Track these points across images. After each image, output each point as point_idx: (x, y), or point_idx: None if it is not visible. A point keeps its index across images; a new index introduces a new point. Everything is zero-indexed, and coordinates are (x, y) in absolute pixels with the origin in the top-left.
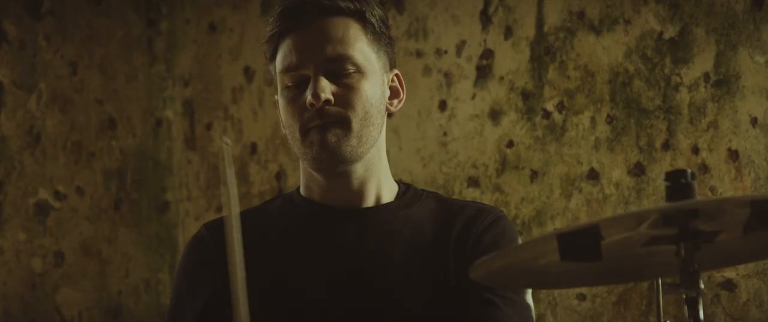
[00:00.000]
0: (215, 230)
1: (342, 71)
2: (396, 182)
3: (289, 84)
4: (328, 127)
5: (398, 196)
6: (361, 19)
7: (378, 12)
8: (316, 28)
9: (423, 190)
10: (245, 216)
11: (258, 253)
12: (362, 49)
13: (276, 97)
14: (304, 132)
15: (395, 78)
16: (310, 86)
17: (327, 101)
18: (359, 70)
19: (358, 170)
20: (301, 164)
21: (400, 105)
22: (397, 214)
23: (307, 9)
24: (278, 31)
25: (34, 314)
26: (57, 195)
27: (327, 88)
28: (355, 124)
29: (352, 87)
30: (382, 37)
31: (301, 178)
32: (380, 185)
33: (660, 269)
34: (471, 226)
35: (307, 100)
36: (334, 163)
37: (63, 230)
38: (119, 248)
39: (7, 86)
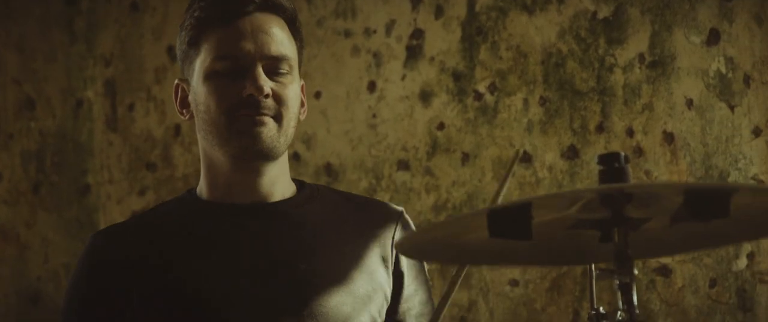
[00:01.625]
0: (111, 240)
1: (279, 70)
2: (293, 180)
3: (220, 71)
4: (264, 121)
5: (298, 192)
6: (293, 24)
7: (296, 16)
8: (257, 22)
9: (318, 185)
10: (136, 225)
11: (161, 259)
12: (293, 53)
13: (178, 81)
14: (232, 120)
15: (301, 88)
16: (251, 78)
17: (266, 95)
18: (290, 73)
19: (273, 168)
20: (206, 157)
21: (303, 115)
22: (301, 208)
23: (246, 3)
24: (209, 16)
25: None
26: None
27: (268, 84)
28: (285, 122)
29: (286, 86)
30: (302, 47)
31: (203, 176)
32: (284, 184)
33: (591, 253)
34: (381, 224)
35: (247, 91)
36: (259, 156)
37: None
38: (38, 233)
39: None
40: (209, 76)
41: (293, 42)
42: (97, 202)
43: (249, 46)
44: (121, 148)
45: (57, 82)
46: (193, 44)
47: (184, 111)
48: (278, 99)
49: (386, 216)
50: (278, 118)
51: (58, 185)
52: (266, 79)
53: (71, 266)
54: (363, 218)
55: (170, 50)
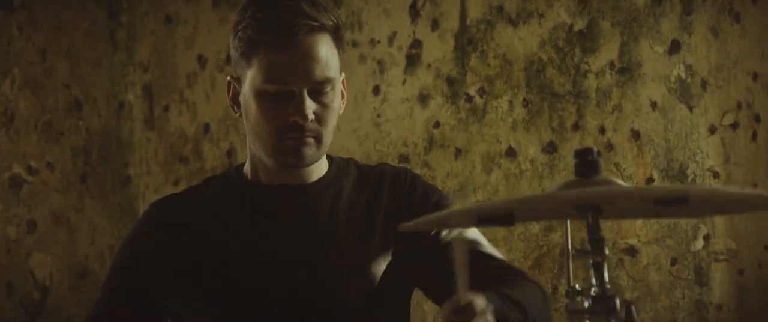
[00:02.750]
0: (166, 209)
1: (323, 91)
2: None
3: (271, 92)
4: (306, 142)
5: (331, 168)
6: (336, 33)
7: (338, 19)
8: (304, 48)
9: (344, 159)
10: (190, 196)
11: (206, 229)
12: (336, 67)
13: (231, 78)
14: (278, 140)
15: (342, 83)
16: (296, 104)
17: (310, 120)
18: (334, 89)
19: (312, 165)
20: (252, 149)
21: (342, 108)
22: (331, 187)
23: (295, 27)
24: (260, 38)
25: (9, 276)
26: (29, 170)
27: (311, 108)
28: (325, 139)
29: (329, 106)
30: (342, 47)
31: (249, 160)
32: (320, 165)
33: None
34: (395, 189)
35: (292, 117)
36: (300, 167)
37: (35, 201)
38: (86, 218)
39: None
40: (259, 94)
41: (337, 52)
42: (136, 191)
43: (296, 73)
44: (157, 144)
45: (102, 87)
46: (245, 57)
47: (235, 107)
48: (320, 120)
49: (399, 186)
50: (319, 137)
51: (102, 176)
52: (310, 103)
53: (114, 246)
54: (379, 192)
55: (200, 58)
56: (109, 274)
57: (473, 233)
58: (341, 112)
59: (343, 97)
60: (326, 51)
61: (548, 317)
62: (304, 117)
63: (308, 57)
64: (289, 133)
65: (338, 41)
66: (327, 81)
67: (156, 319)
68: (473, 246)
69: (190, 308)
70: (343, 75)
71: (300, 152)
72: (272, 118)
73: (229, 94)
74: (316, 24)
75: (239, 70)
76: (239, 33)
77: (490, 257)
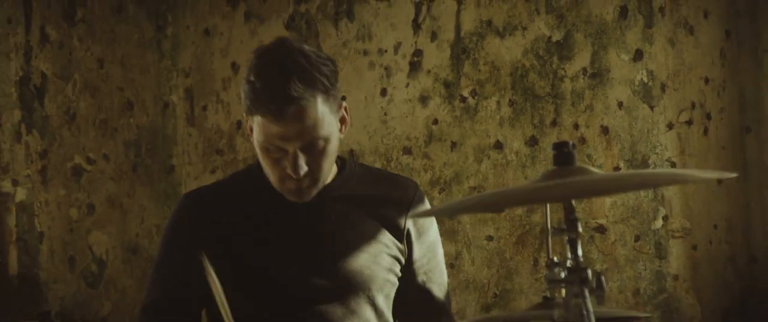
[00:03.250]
0: (193, 203)
1: (315, 146)
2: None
3: (270, 149)
4: (302, 186)
5: (339, 171)
6: (326, 92)
7: (329, 70)
8: (294, 120)
9: (354, 162)
10: (218, 189)
11: (229, 218)
12: (328, 121)
13: (247, 117)
14: (282, 183)
15: (344, 110)
16: (290, 162)
17: (303, 174)
18: (327, 141)
19: None
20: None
21: (347, 128)
22: (339, 189)
23: (284, 106)
24: (257, 108)
25: (72, 252)
26: (88, 160)
27: (304, 165)
28: (323, 176)
29: (322, 155)
30: (335, 94)
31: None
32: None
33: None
34: (399, 198)
35: (288, 171)
36: (304, 201)
37: (93, 187)
38: (136, 201)
39: (50, 77)
40: (262, 149)
41: (327, 108)
42: (179, 178)
43: (288, 140)
44: (197, 138)
45: (149, 89)
46: (250, 112)
47: (252, 137)
48: (315, 167)
49: (404, 194)
50: (315, 179)
51: (150, 165)
52: (302, 160)
53: (161, 225)
54: (386, 195)
55: (233, 65)
56: (157, 261)
57: (443, 284)
58: (343, 135)
59: (345, 122)
60: (315, 114)
61: None
62: (297, 174)
63: (298, 126)
64: (288, 181)
65: (329, 96)
66: (316, 139)
67: (201, 294)
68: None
69: (224, 286)
70: (345, 103)
71: (299, 193)
72: (273, 169)
73: (248, 128)
74: (304, 100)
75: (249, 119)
76: (244, 92)
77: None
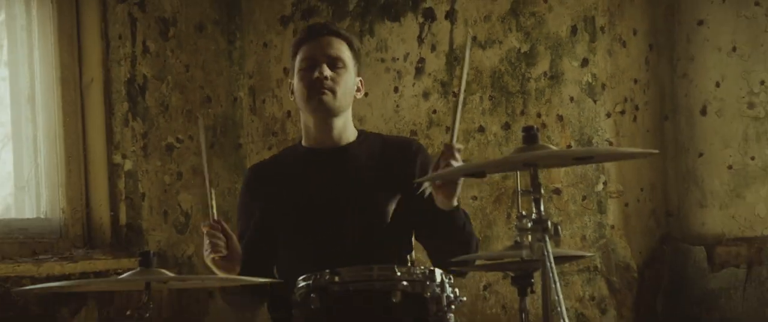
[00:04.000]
0: (256, 172)
1: (336, 65)
2: (356, 129)
3: (304, 67)
4: (324, 92)
5: (358, 136)
6: (350, 44)
7: (357, 44)
8: (325, 39)
9: (370, 132)
10: (273, 161)
11: (284, 189)
12: (347, 58)
13: (290, 81)
14: (311, 93)
15: (359, 81)
16: (318, 68)
17: (326, 77)
18: (344, 68)
19: (338, 122)
20: (302, 119)
21: (360, 95)
22: (357, 148)
23: (320, 31)
24: (301, 39)
25: (165, 207)
26: (178, 140)
27: (327, 71)
28: (339, 94)
29: (341, 76)
30: (357, 58)
31: (303, 133)
32: (348, 133)
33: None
34: (406, 152)
35: (315, 76)
36: (323, 111)
37: (181, 160)
38: (213, 170)
39: (149, 78)
40: (299, 71)
41: (350, 54)
42: (244, 153)
43: (318, 52)
44: (258, 124)
45: (223, 87)
46: (294, 55)
47: (291, 94)
48: (334, 81)
49: (408, 147)
50: (333, 91)
51: (223, 144)
52: (326, 68)
53: (231, 189)
54: (396, 149)
55: (285, 70)
56: (239, 220)
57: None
58: (359, 96)
59: (359, 89)
60: (339, 47)
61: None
62: (322, 74)
63: (326, 45)
64: (313, 88)
65: (353, 51)
66: (338, 58)
67: (270, 243)
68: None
69: (279, 236)
70: (360, 78)
71: (319, 98)
72: (305, 81)
73: (290, 90)
74: (334, 32)
75: (291, 67)
76: (293, 45)
77: None
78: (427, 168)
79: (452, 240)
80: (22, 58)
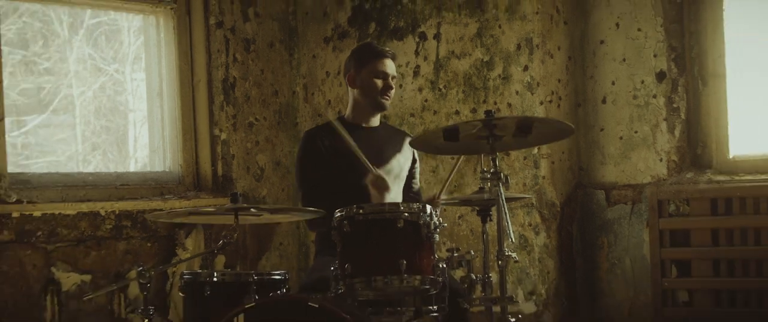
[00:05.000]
0: (312, 136)
1: (393, 78)
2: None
3: (376, 79)
4: (387, 99)
5: (380, 124)
6: (395, 59)
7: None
8: (388, 61)
9: (383, 122)
10: (322, 129)
11: (331, 145)
12: (396, 73)
13: (350, 73)
14: (382, 96)
15: None
16: (386, 81)
17: (391, 88)
18: (394, 81)
19: (378, 116)
20: (355, 104)
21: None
22: (383, 130)
23: (386, 55)
24: (380, 52)
25: (247, 164)
26: (256, 119)
27: (390, 84)
28: (389, 101)
29: (394, 84)
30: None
31: (350, 109)
32: (377, 120)
33: (481, 147)
34: (403, 138)
35: (385, 85)
36: (381, 110)
37: (258, 133)
38: (280, 140)
39: (238, 79)
40: (372, 79)
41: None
42: (300, 129)
43: (387, 70)
44: (309, 109)
45: (286, 85)
46: (362, 64)
47: (351, 83)
48: (392, 90)
49: (405, 135)
50: (391, 97)
51: (285, 122)
52: (391, 82)
53: (291, 152)
54: (399, 138)
55: (327, 73)
56: (303, 173)
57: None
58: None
59: None
60: (394, 65)
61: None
62: (391, 87)
63: (389, 65)
64: (382, 95)
65: (396, 62)
66: (395, 76)
67: (327, 189)
68: (415, 186)
69: (328, 183)
70: None
71: (384, 103)
72: (377, 88)
73: (347, 79)
74: (391, 55)
75: (356, 68)
76: (357, 54)
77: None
78: (416, 155)
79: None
80: (154, 67)
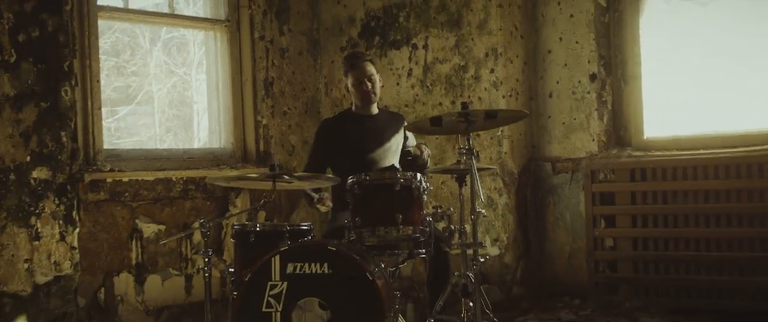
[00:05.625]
0: (327, 122)
1: (372, 79)
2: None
3: (356, 83)
4: (372, 98)
5: (379, 111)
6: (371, 62)
7: (372, 61)
8: (365, 65)
9: (382, 108)
10: (336, 117)
11: (341, 133)
12: (373, 71)
13: (346, 82)
14: (365, 98)
15: (379, 77)
16: (365, 84)
17: (372, 90)
18: (376, 76)
19: (373, 106)
20: (355, 100)
21: (380, 84)
22: (382, 116)
23: (361, 57)
24: (351, 64)
25: (282, 143)
26: (288, 108)
27: (369, 84)
28: (377, 94)
29: (375, 83)
30: (375, 67)
31: (354, 104)
32: (374, 108)
33: (459, 128)
34: (400, 121)
35: (366, 88)
36: (370, 103)
37: (291, 118)
38: (304, 122)
39: (275, 79)
40: (354, 85)
41: (373, 68)
42: (322, 115)
43: (364, 74)
44: (329, 101)
45: (312, 83)
46: (346, 71)
47: (346, 89)
48: (374, 88)
49: (402, 119)
50: (375, 94)
51: (311, 111)
52: (369, 83)
53: (312, 131)
54: (396, 121)
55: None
56: (311, 149)
57: (412, 141)
58: (382, 86)
59: (381, 84)
60: (371, 67)
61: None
62: (371, 88)
63: (366, 68)
64: (365, 94)
65: (373, 65)
66: (373, 74)
67: (328, 160)
68: (411, 142)
69: (337, 161)
70: (379, 75)
71: (370, 100)
72: (361, 90)
73: (346, 87)
74: (369, 59)
75: (344, 74)
76: (344, 64)
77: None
78: (408, 135)
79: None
80: (213, 69)
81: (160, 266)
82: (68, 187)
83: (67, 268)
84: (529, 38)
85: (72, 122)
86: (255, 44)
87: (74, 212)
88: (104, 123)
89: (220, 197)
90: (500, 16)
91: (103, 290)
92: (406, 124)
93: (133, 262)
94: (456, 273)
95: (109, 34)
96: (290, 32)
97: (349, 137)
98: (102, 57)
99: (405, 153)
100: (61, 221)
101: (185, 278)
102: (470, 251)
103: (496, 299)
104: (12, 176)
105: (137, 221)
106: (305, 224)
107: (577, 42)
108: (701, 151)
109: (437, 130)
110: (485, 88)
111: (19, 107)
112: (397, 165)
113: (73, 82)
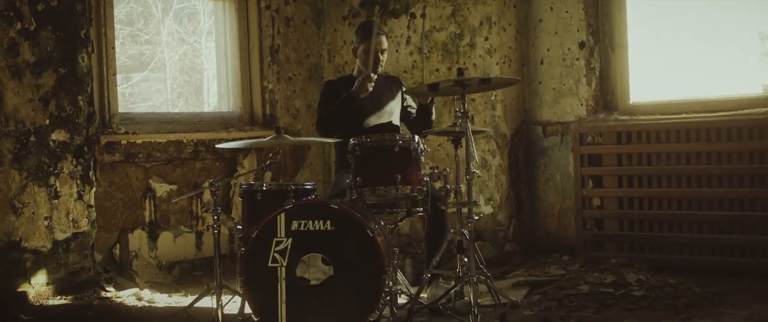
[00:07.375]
0: (330, 83)
1: (384, 51)
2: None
3: (370, 52)
4: (377, 70)
5: (379, 76)
6: (387, 37)
7: (386, 34)
8: (379, 38)
9: (381, 73)
10: (338, 80)
11: (342, 96)
12: (387, 45)
13: (353, 46)
14: (373, 68)
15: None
16: (376, 56)
17: (381, 62)
18: (386, 52)
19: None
20: (357, 68)
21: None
22: (379, 80)
23: (379, 30)
24: (368, 33)
25: (287, 106)
26: (293, 74)
27: (380, 58)
28: (381, 68)
29: (385, 57)
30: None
31: (356, 70)
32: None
33: (455, 92)
34: (397, 83)
35: (375, 59)
36: (376, 74)
37: (296, 83)
38: (310, 86)
39: (281, 46)
40: (366, 52)
41: (387, 42)
42: (324, 78)
43: (379, 47)
44: (331, 68)
45: (315, 50)
46: (360, 39)
47: (353, 53)
48: (382, 62)
49: (399, 83)
50: (381, 67)
51: (314, 77)
52: (380, 56)
53: (316, 93)
54: (394, 84)
55: (344, 42)
56: (319, 105)
57: (410, 101)
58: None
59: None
60: (386, 41)
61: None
62: (377, 61)
63: (380, 41)
64: (374, 66)
65: (388, 39)
66: (385, 50)
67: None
68: (409, 102)
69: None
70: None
71: (375, 70)
72: (370, 60)
73: (352, 51)
74: (385, 33)
75: (357, 43)
76: (357, 32)
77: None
78: (405, 96)
79: (425, 121)
80: (222, 38)
81: (172, 223)
82: (85, 148)
83: (84, 225)
84: (521, 7)
85: (89, 87)
86: (262, 13)
87: (91, 172)
88: (119, 88)
89: (229, 158)
90: None
91: (118, 246)
92: (404, 88)
93: (147, 219)
94: (452, 230)
95: (124, 4)
96: (295, 2)
97: (352, 98)
98: (117, 25)
99: (418, 110)
100: (78, 181)
101: (196, 235)
102: (465, 210)
103: (490, 256)
104: (32, 138)
105: (150, 180)
106: (309, 183)
107: (566, 11)
108: (684, 116)
109: (434, 94)
110: (480, 55)
111: (38, 73)
112: (397, 123)
113: (90, 49)
